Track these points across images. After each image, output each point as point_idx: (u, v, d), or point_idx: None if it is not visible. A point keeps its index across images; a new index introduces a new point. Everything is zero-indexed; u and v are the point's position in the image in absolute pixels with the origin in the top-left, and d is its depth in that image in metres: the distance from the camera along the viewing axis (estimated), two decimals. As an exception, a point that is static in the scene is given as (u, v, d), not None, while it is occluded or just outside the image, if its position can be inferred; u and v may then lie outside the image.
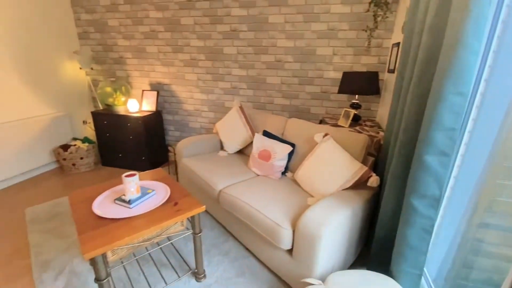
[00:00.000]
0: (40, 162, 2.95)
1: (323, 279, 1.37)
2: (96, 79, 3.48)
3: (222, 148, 2.63)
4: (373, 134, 2.00)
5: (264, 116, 2.47)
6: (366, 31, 2.32)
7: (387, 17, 2.22)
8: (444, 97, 0.92)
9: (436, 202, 1.04)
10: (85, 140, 3.21)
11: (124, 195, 1.42)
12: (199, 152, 2.49)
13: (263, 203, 1.61)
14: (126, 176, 1.39)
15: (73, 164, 3.01)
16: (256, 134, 2.16)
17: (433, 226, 1.07)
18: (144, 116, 2.92)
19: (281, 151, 1.99)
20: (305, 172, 1.83)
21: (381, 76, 2.39)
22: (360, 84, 2.16)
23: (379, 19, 2.24)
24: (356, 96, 2.37)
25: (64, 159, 2.97)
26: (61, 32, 3.13)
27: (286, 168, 2.08)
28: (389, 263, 1.30)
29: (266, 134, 2.19)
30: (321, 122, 2.49)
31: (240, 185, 1.86)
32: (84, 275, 1.60)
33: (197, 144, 2.48)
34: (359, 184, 1.64)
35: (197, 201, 1.46)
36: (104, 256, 1.16)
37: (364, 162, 1.74)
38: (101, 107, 3.43)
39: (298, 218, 1.45)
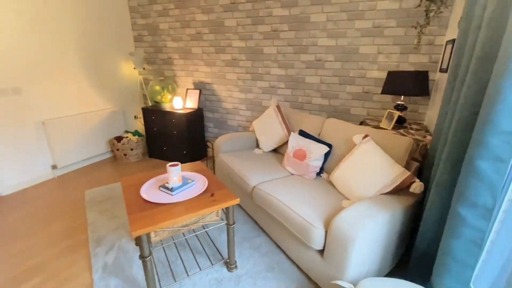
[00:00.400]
0: (98, 151, 3.34)
1: (354, 283, 1.33)
2: (147, 78, 3.81)
3: (257, 146, 2.68)
4: (419, 138, 1.87)
5: (301, 116, 2.46)
6: (415, 28, 2.17)
7: (441, 12, 2.05)
8: (503, 98, 0.83)
9: (488, 213, 0.94)
10: (135, 133, 3.54)
11: (167, 183, 1.55)
12: (235, 148, 2.58)
13: (296, 202, 1.62)
14: (170, 165, 1.51)
15: (125, 154, 3.34)
16: (292, 133, 2.17)
17: (483, 239, 0.97)
18: (187, 113, 3.12)
19: (317, 151, 1.97)
20: (342, 173, 1.78)
21: (431, 76, 2.22)
22: (407, 84, 2.03)
23: (431, 14, 2.08)
24: (402, 97, 2.23)
25: (117, 149, 3.31)
26: (120, 36, 3.50)
27: (322, 169, 2.05)
28: (429, 275, 1.22)
29: (302, 133, 2.18)
30: (361, 123, 2.40)
31: (273, 182, 1.89)
32: (130, 252, 1.78)
33: (234, 141, 2.57)
34: (400, 190, 1.55)
35: (232, 194, 1.52)
36: (148, 236, 1.28)
37: (407, 166, 1.64)
38: (150, 104, 3.75)
39: (332, 218, 1.43)
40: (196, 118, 3.30)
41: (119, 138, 3.37)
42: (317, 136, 2.25)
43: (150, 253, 1.30)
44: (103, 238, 1.93)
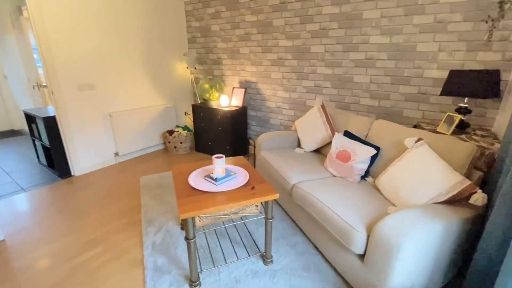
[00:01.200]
0: (152, 143, 3.69)
1: (397, 294, 1.25)
2: (197, 77, 4.07)
3: (299, 145, 2.67)
4: (484, 145, 1.66)
5: (347, 116, 2.38)
6: (486, 22, 1.93)
7: (522, 2, 1.78)
8: None
9: None
10: (185, 128, 3.81)
11: (212, 173, 1.65)
12: (276, 147, 2.61)
13: (337, 203, 1.58)
14: (216, 157, 1.61)
15: (175, 147, 3.63)
16: (336, 133, 2.11)
17: None
18: (232, 111, 3.25)
19: (362, 153, 1.89)
20: (389, 178, 1.68)
21: (504, 76, 1.94)
22: (474, 85, 1.82)
23: (507, 6, 1.82)
24: (466, 99, 2.00)
25: (169, 142, 3.61)
26: (176, 38, 3.80)
27: (367, 172, 1.95)
28: (489, 297, 1.08)
29: (347, 134, 2.11)
30: (415, 127, 2.22)
31: (314, 182, 1.87)
32: (175, 235, 1.94)
33: (275, 139, 2.60)
34: (458, 200, 1.40)
35: (272, 189, 1.55)
36: (193, 219, 1.39)
37: (468, 175, 1.48)
38: (199, 101, 4.00)
39: (375, 223, 1.36)
40: (240, 116, 3.41)
41: (170, 132, 3.66)
42: (363, 138, 2.15)
43: (194, 236, 1.40)
44: (153, 220, 2.13)
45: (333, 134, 2.33)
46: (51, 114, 2.80)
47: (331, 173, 2.05)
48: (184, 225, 1.39)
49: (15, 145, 4.05)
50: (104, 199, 2.48)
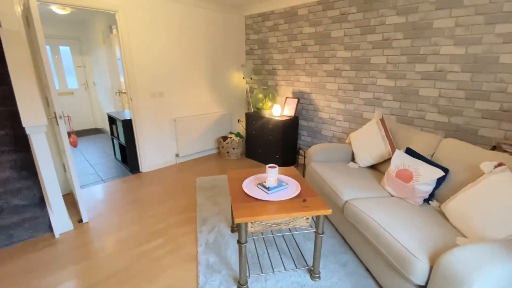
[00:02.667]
0: (207, 147, 3.97)
1: (466, 338, 1.11)
2: (252, 87, 4.25)
3: (352, 159, 2.57)
4: None
5: (410, 132, 2.21)
6: None
7: None
8: None
9: None
10: (237, 134, 4.00)
11: (265, 182, 1.72)
12: (328, 159, 2.55)
13: (395, 226, 1.48)
14: (269, 167, 1.67)
15: (227, 152, 3.83)
16: (397, 150, 1.98)
17: None
18: (284, 120, 3.30)
19: (427, 174, 1.73)
20: (460, 205, 1.51)
21: None
22: None
23: None
24: None
25: (222, 147, 3.84)
26: (235, 49, 4.05)
27: (431, 195, 1.78)
28: None
29: (410, 152, 1.96)
30: (494, 148, 1.94)
31: (369, 200, 1.78)
32: (226, 237, 2.05)
33: (328, 151, 2.55)
34: (551, 240, 1.19)
35: (325, 203, 1.54)
36: (246, 225, 1.46)
37: None
38: (252, 110, 4.17)
39: (441, 254, 1.24)
40: (291, 125, 3.44)
41: (224, 138, 3.89)
42: (429, 157, 1.97)
43: (246, 241, 1.47)
44: (207, 219, 2.29)
45: (393, 150, 2.19)
46: (128, 117, 3.25)
47: (389, 193, 1.92)
48: (236, 228, 1.48)
49: (97, 141, 4.79)
50: (166, 196, 2.75)
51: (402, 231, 1.44)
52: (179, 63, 3.42)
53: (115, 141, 3.74)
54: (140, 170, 3.39)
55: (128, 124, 3.22)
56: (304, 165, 3.28)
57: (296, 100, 3.43)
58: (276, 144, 3.44)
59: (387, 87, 2.67)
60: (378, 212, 1.61)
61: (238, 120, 4.41)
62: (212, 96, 3.93)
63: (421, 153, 1.99)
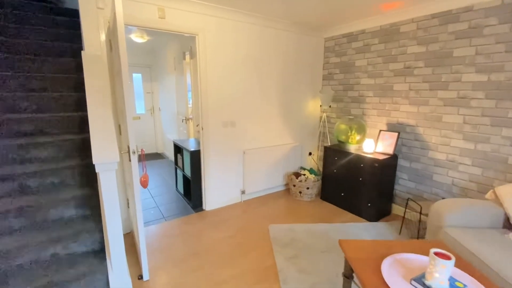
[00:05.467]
0: (275, 183, 3.43)
1: None
2: (329, 116, 3.68)
3: (508, 225, 1.74)
4: None
5: None
6: None
7: None
8: None
9: None
10: (311, 171, 3.39)
11: (423, 276, 1.05)
12: (469, 223, 1.78)
13: None
14: (436, 253, 1.01)
15: (300, 192, 3.22)
16: None
17: None
18: (382, 159, 2.60)
19: None
20: None
21: None
22: None
23: None
24: None
25: (294, 185, 3.25)
26: (311, 75, 3.59)
27: None
28: None
29: None
30: None
31: None
32: None
33: (467, 211, 1.80)
34: None
35: None
36: None
37: None
38: (329, 142, 3.56)
39: None
40: (387, 166, 2.71)
41: (297, 174, 3.31)
42: None
43: None
44: (297, 299, 1.66)
45: None
46: (193, 147, 2.93)
47: None
48: None
49: (159, 167, 4.65)
50: (235, 249, 2.22)
51: None
52: (252, 91, 3.06)
53: (178, 171, 3.45)
54: (203, 208, 2.97)
55: (196, 155, 2.89)
56: (404, 219, 2.49)
57: (396, 134, 2.72)
58: (368, 189, 2.72)
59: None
60: None
61: (310, 153, 3.83)
62: (283, 126, 3.46)
63: None
